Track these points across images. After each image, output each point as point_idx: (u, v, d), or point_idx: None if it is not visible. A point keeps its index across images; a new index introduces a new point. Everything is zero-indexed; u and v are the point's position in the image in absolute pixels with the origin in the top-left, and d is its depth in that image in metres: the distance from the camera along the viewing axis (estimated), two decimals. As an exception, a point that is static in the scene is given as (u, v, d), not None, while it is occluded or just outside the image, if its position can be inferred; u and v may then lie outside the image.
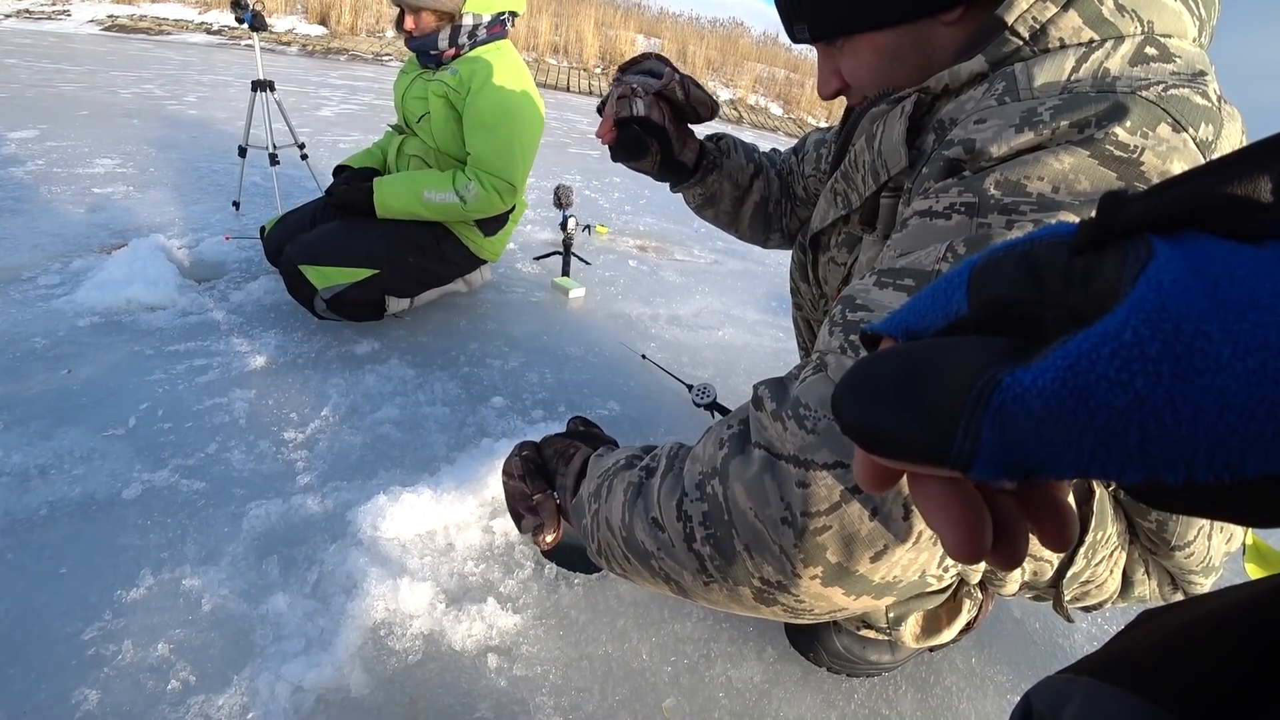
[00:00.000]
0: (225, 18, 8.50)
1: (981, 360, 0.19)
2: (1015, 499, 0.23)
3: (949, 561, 0.57)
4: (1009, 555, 0.22)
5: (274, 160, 2.40)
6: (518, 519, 0.83)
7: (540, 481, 0.84)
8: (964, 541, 0.21)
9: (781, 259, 2.82)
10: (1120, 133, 0.50)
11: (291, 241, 1.68)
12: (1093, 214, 0.53)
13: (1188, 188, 0.19)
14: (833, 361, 0.55)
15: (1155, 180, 0.50)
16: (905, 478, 0.23)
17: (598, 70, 10.21)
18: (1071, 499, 0.77)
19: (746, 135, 8.03)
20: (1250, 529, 1.05)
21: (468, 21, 1.66)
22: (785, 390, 0.58)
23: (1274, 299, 0.15)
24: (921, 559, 0.54)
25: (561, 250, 2.33)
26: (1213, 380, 0.15)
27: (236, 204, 2.50)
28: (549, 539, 0.81)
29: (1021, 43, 0.59)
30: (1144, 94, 0.51)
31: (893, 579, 0.55)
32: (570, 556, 1.12)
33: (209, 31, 8.44)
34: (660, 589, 0.67)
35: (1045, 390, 0.17)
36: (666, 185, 1.15)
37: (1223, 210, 0.18)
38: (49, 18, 7.83)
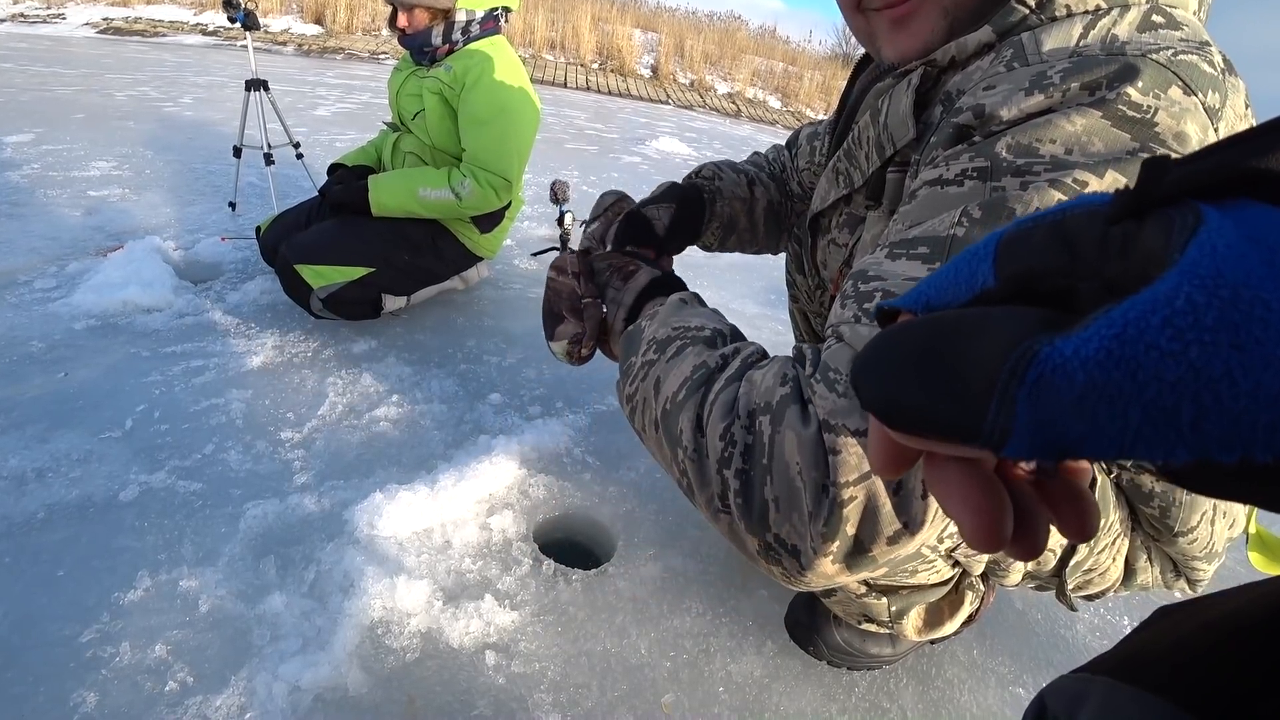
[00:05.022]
0: (221, 18, 8.48)
1: (1016, 330, 0.18)
2: (1034, 487, 0.22)
3: (948, 531, 0.56)
4: (1029, 545, 0.21)
5: (269, 160, 2.39)
6: (555, 322, 0.76)
7: (593, 286, 0.76)
8: (984, 529, 0.20)
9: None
10: (1133, 93, 0.49)
11: (287, 241, 1.68)
12: (1108, 175, 0.51)
13: (1235, 152, 0.17)
14: (847, 331, 0.54)
15: (1170, 140, 0.49)
16: (922, 460, 0.22)
17: (595, 65, 10.19)
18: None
19: (744, 129, 8.00)
20: (1254, 516, 1.04)
21: (461, 17, 1.65)
22: (817, 355, 0.56)
23: None
24: (928, 537, 0.53)
25: (559, 246, 2.32)
26: (1275, 351, 0.14)
27: (233, 205, 2.49)
28: (584, 352, 0.75)
29: (1028, 11, 0.59)
30: (1154, 57, 0.51)
31: (893, 555, 0.54)
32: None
33: (204, 33, 8.42)
34: (667, 471, 0.63)
35: (1088, 361, 0.15)
36: (665, 181, 1.10)
37: (1272, 177, 0.17)
38: (44, 21, 7.82)
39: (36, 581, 0.95)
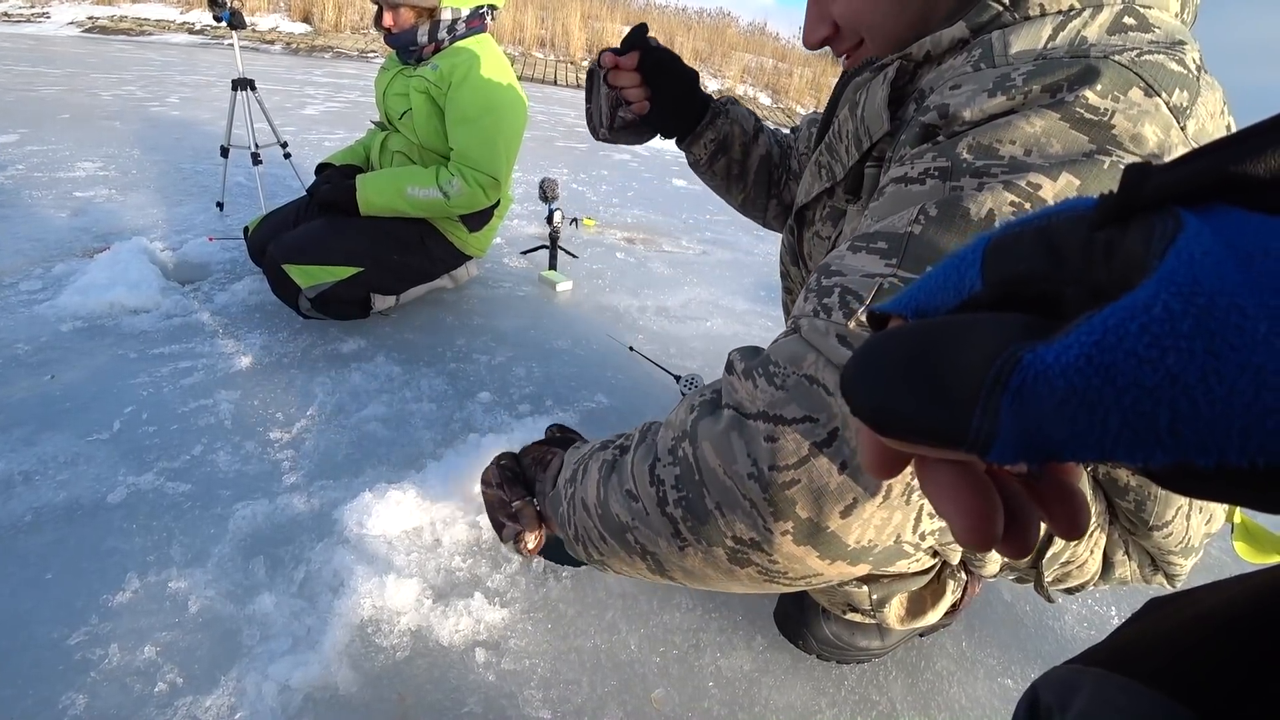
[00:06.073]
0: (207, 17, 8.41)
1: (1000, 338, 0.18)
2: (1026, 485, 0.22)
3: (925, 528, 0.57)
4: (1020, 543, 0.21)
5: (256, 160, 2.38)
6: (499, 528, 0.83)
7: (519, 489, 0.84)
8: (975, 529, 0.20)
9: (769, 248, 2.81)
10: (1090, 96, 0.50)
11: (275, 241, 1.67)
12: (1061, 177, 0.53)
13: (1215, 158, 0.18)
14: (805, 325, 0.55)
15: (1127, 142, 0.50)
16: (913, 462, 0.22)
17: (585, 63, 10.16)
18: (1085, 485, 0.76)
19: (735, 126, 8.00)
20: (1238, 509, 1.05)
21: (446, 16, 1.65)
22: (757, 352, 0.59)
23: None
24: (895, 519, 0.54)
25: (548, 244, 2.32)
26: (1249, 357, 0.14)
27: (220, 205, 2.48)
28: (530, 545, 0.81)
29: (1002, 8, 0.60)
30: (1117, 58, 0.51)
31: (867, 542, 0.55)
32: (559, 550, 1.12)
33: (191, 31, 8.35)
34: (638, 569, 0.66)
35: (1069, 368, 0.16)
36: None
37: (1254, 183, 0.17)
38: (28, 20, 7.74)
39: (24, 584, 0.95)
